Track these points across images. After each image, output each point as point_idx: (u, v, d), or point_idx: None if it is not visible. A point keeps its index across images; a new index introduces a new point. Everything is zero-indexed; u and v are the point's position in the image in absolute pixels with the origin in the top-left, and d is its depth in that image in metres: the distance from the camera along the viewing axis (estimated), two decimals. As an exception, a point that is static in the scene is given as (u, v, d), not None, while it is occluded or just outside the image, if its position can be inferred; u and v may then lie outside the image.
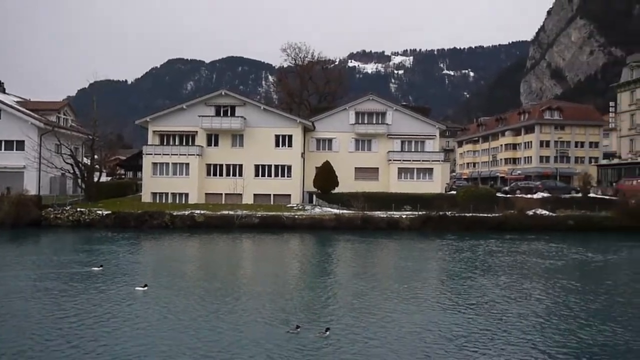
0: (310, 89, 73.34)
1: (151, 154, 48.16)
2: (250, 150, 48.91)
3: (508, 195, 49.50)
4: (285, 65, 78.26)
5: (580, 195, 50.21)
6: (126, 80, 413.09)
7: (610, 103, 76.48)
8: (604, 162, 73.97)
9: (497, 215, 42.46)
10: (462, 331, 13.41)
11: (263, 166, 49.02)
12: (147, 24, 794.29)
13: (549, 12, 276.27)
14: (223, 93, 50.44)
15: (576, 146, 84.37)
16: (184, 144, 49.44)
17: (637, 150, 66.67)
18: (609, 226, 42.48)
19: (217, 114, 49.58)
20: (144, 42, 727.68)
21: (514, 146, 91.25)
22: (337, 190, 46.61)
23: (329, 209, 43.93)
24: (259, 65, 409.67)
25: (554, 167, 79.87)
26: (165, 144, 49.37)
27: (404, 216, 41.58)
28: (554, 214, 43.77)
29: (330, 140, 52.83)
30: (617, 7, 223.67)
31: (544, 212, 43.77)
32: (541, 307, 16.16)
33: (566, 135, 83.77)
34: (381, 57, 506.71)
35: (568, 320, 14.67)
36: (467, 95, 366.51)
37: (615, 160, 69.99)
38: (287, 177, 48.95)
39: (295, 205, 46.08)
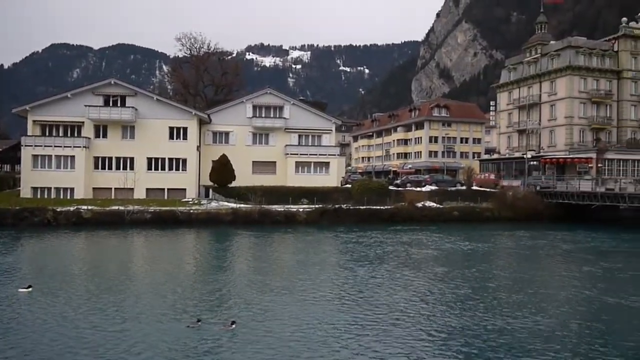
0: (206, 80, 71.62)
1: (31, 146, 44.54)
2: (142, 142, 46.83)
3: (399, 189, 51.74)
4: (180, 55, 75.81)
5: (464, 188, 53.67)
6: (2, 65, 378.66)
7: (491, 102, 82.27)
8: (486, 157, 79.57)
9: (389, 207, 44.24)
10: (342, 321, 13.78)
11: (156, 159, 47.17)
12: (28, 4, 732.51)
13: (437, 15, 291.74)
14: (113, 82, 47.81)
15: (461, 142, 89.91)
16: (68, 135, 46.22)
17: (514, 146, 72.43)
18: (490, 217, 45.99)
19: (106, 104, 46.91)
20: (23, 24, 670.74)
21: (406, 141, 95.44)
22: (234, 184, 46.05)
23: (226, 204, 43.33)
24: (153, 54, 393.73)
25: (441, 162, 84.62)
26: (47, 135, 45.85)
27: (301, 210, 42.03)
28: (441, 206, 46.44)
29: (227, 134, 52.02)
30: (498, 13, 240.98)
31: (432, 204, 46.30)
32: (416, 294, 17.04)
33: (452, 131, 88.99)
34: (279, 51, 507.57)
35: (437, 305, 15.60)
36: (362, 92, 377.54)
37: (495, 156, 75.55)
38: (182, 170, 47.52)
39: (190, 199, 44.88)
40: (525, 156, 60.13)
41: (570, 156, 61.16)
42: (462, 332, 12.96)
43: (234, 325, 12.90)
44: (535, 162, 61.89)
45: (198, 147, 49.14)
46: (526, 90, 71.00)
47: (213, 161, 46.69)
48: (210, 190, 46.59)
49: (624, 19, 69.99)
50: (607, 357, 11.17)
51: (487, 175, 61.09)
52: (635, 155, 62.04)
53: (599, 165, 59.26)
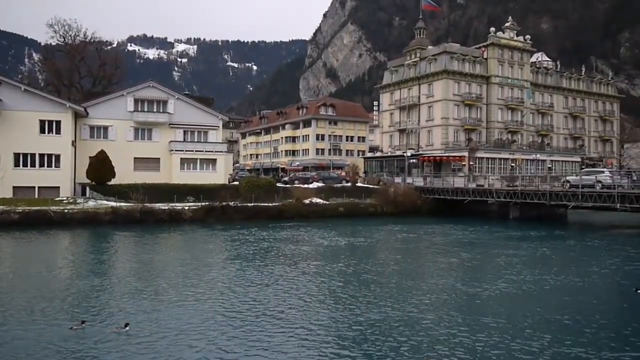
0: (83, 71, 67.03)
1: None
2: (8, 136, 42.69)
3: (287, 185, 52.17)
4: (52, 43, 70.29)
5: (349, 184, 55.33)
6: None
7: (375, 102, 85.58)
8: (369, 155, 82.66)
9: (277, 204, 44.39)
10: (229, 320, 13.65)
11: (25, 155, 43.26)
12: None
13: (325, 15, 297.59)
14: (-28, 69, 43.11)
15: (347, 140, 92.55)
16: None
17: (396, 144, 75.97)
18: (373, 212, 47.86)
19: (-36, 93, 42.18)
20: None
21: (294, 139, 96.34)
22: (113, 181, 43.55)
23: (105, 202, 40.90)
24: (21, 40, 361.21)
25: (328, 159, 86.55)
26: None
27: (186, 207, 40.82)
28: (327, 202, 47.49)
29: (105, 128, 49.07)
30: (381, 17, 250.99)
31: (319, 200, 47.20)
32: (297, 290, 17.22)
33: (339, 130, 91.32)
34: (164, 44, 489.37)
35: (311, 301, 15.87)
36: (251, 88, 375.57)
37: (378, 154, 78.78)
38: (55, 167, 44.04)
39: (65, 198, 41.76)
40: (405, 154, 63.28)
41: (446, 154, 65.43)
42: (338, 326, 13.27)
43: (127, 327, 12.38)
44: (415, 160, 65.38)
45: (73, 142, 45.86)
46: (407, 92, 74.76)
47: (90, 157, 43.74)
48: (88, 189, 43.69)
49: (492, 28, 76.17)
50: (465, 340, 12.03)
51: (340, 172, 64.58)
52: (502, 154, 67.80)
53: (471, 163, 64.02)
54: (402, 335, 12.41)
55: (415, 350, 11.35)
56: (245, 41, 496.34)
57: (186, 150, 50.35)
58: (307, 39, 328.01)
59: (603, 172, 44.54)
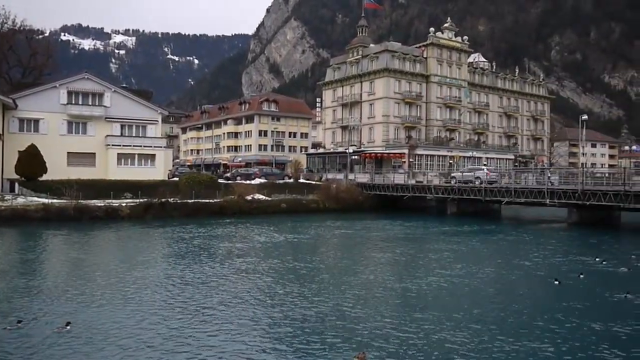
0: (12, 61, 63.44)
1: None
2: None
3: (229, 182, 51.54)
4: (-23, 30, 66.08)
5: (292, 180, 55.33)
6: None
7: (317, 99, 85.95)
8: (312, 151, 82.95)
9: (218, 201, 43.83)
10: (164, 319, 13.42)
11: (-54, 149, 40.66)
12: None
13: (268, 10, 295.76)
14: None
15: (290, 136, 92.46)
16: None
17: (338, 141, 76.59)
18: (316, 208, 48.08)
19: None
20: None
21: (236, 134, 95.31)
22: (45, 177, 41.62)
23: (36, 199, 39.02)
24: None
25: (271, 155, 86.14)
26: None
27: (123, 204, 39.60)
28: (269, 198, 47.31)
29: (36, 121, 46.75)
30: (324, 14, 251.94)
31: (262, 196, 46.95)
32: (219, 287, 17.09)
33: (281, 126, 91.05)
34: (100, 34, 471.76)
35: (248, 298, 15.80)
36: (192, 82, 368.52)
37: (321, 150, 79.17)
38: (-19, 162, 41.60)
39: (-9, 195, 39.55)
40: (347, 151, 63.92)
41: (387, 151, 66.58)
42: (271, 322, 13.27)
43: (68, 327, 12.15)
44: (356, 157, 66.13)
45: (1, 136, 43.45)
46: (349, 89, 75.49)
47: (20, 152, 41.61)
48: (17, 184, 41.56)
49: (432, 29, 78.08)
50: (398, 333, 12.34)
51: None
52: (441, 151, 69.74)
53: (411, 160, 65.46)
54: (334, 330, 12.57)
55: (347, 345, 11.49)
56: (187, 34, 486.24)
57: (123, 145, 48.72)
58: (250, 33, 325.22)
59: (482, 169, 49.21)
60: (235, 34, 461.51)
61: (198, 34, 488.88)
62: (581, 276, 19.28)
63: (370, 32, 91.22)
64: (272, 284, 17.77)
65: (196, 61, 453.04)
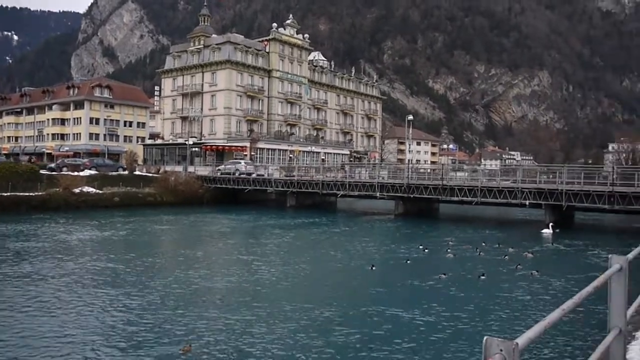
0: None
1: None
2: None
3: (54, 173, 46.94)
4: None
5: (127, 172, 52.20)
6: None
7: (156, 87, 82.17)
8: (149, 142, 79.18)
9: (40, 194, 39.75)
10: None
11: None
12: None
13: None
14: None
15: (125, 125, 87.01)
16: None
17: (178, 132, 74.11)
18: (152, 201, 45.99)
19: None
20: None
21: (63, 121, 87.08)
22: None
23: None
24: None
25: (103, 145, 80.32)
26: None
27: None
28: (101, 191, 44.13)
29: None
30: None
31: (91, 189, 43.59)
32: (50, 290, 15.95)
33: (116, 114, 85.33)
34: None
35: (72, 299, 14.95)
36: (10, 61, 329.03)
37: (159, 141, 75.90)
38: None
39: None
40: (187, 143, 62.14)
41: (229, 144, 66.07)
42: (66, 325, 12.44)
43: None
44: (197, 149, 64.61)
45: None
46: (190, 79, 73.40)
47: None
48: None
49: (275, 24, 79.09)
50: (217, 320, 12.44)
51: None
52: (282, 145, 71.08)
53: (252, 153, 65.77)
54: (159, 326, 12.24)
55: (174, 339, 11.20)
56: (4, 6, 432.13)
57: None
58: (82, 12, 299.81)
59: (240, 162, 54.52)
60: (64, 11, 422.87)
61: (19, 7, 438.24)
62: (408, 262, 21.06)
63: (213, 22, 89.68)
64: (81, 287, 16.09)
65: (16, 37, 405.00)
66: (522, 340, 2.29)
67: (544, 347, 10.96)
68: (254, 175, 52.26)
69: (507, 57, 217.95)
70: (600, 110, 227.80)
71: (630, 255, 4.03)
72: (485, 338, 2.23)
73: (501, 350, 2.19)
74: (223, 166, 55.42)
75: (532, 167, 67.67)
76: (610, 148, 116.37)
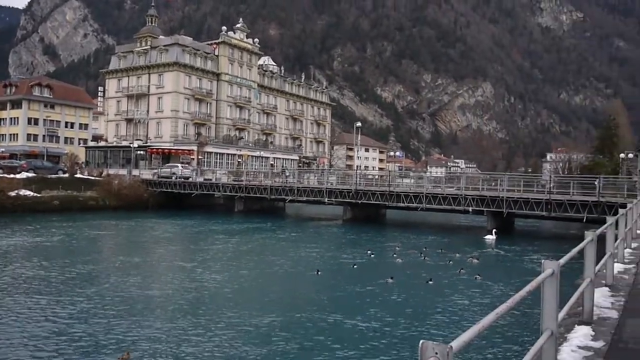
0: None
1: None
2: None
3: (-13, 175, 44.66)
4: None
5: (67, 175, 50.24)
6: None
7: (100, 88, 79.72)
8: (93, 144, 76.65)
9: (-29, 197, 37.69)
10: None
11: None
12: None
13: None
14: None
15: (66, 126, 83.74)
16: None
17: (122, 134, 72.08)
18: (94, 205, 44.48)
19: None
20: None
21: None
22: None
23: None
24: None
25: (42, 146, 77.05)
26: None
27: None
28: (39, 195, 42.31)
29: None
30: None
31: (29, 192, 41.76)
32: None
33: (56, 114, 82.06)
34: None
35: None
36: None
37: (102, 143, 73.60)
38: None
39: None
40: (132, 145, 60.53)
41: (175, 147, 64.86)
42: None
43: None
44: (142, 152, 63.05)
45: None
46: (135, 80, 71.60)
47: None
48: None
49: (224, 27, 78.35)
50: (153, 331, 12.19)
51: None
52: (230, 149, 70.35)
53: (200, 157, 64.76)
54: (96, 334, 11.86)
55: (111, 347, 10.86)
56: None
57: None
58: (21, 7, 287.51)
59: (177, 166, 54.50)
60: (0, 6, 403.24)
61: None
62: (355, 266, 21.21)
63: (161, 23, 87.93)
64: (7, 295, 15.29)
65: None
66: (456, 343, 2.32)
67: (480, 349, 11.24)
68: (199, 180, 51.40)
69: (453, 67, 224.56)
70: (540, 121, 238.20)
71: (562, 260, 4.16)
72: (421, 342, 2.25)
73: (436, 353, 2.22)
74: (159, 169, 55.15)
75: (475, 175, 69.84)
76: (548, 157, 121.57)
